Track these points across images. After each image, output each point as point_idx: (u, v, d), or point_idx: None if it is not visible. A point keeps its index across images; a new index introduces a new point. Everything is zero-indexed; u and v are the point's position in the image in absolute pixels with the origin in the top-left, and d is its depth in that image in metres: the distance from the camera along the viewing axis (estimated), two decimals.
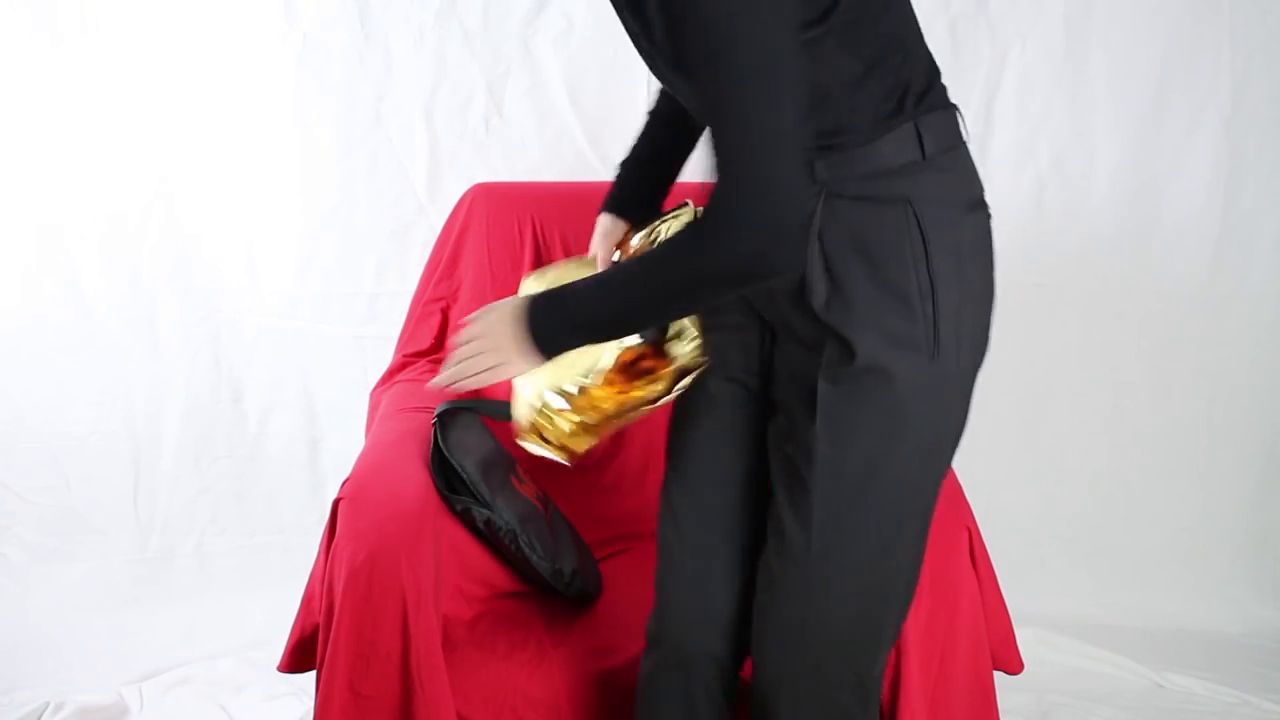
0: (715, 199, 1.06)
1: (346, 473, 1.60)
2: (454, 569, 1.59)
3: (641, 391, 1.26)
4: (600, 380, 1.25)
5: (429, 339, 2.04)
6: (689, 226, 1.13)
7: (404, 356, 2.04)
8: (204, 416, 2.67)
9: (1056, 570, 2.68)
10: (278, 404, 2.69)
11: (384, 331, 2.47)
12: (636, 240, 1.37)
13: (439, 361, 2.01)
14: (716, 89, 1.03)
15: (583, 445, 1.27)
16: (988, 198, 2.84)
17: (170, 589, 2.62)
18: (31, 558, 2.62)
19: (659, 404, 1.28)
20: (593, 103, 2.54)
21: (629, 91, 2.51)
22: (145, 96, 2.54)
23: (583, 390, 1.24)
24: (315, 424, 2.70)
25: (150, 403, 2.65)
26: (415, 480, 1.55)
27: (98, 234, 2.58)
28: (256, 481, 2.71)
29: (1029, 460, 2.74)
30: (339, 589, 1.42)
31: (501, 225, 2.01)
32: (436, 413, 1.68)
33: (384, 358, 2.17)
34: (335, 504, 1.51)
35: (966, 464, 1.74)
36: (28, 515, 2.63)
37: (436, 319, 2.05)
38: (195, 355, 2.64)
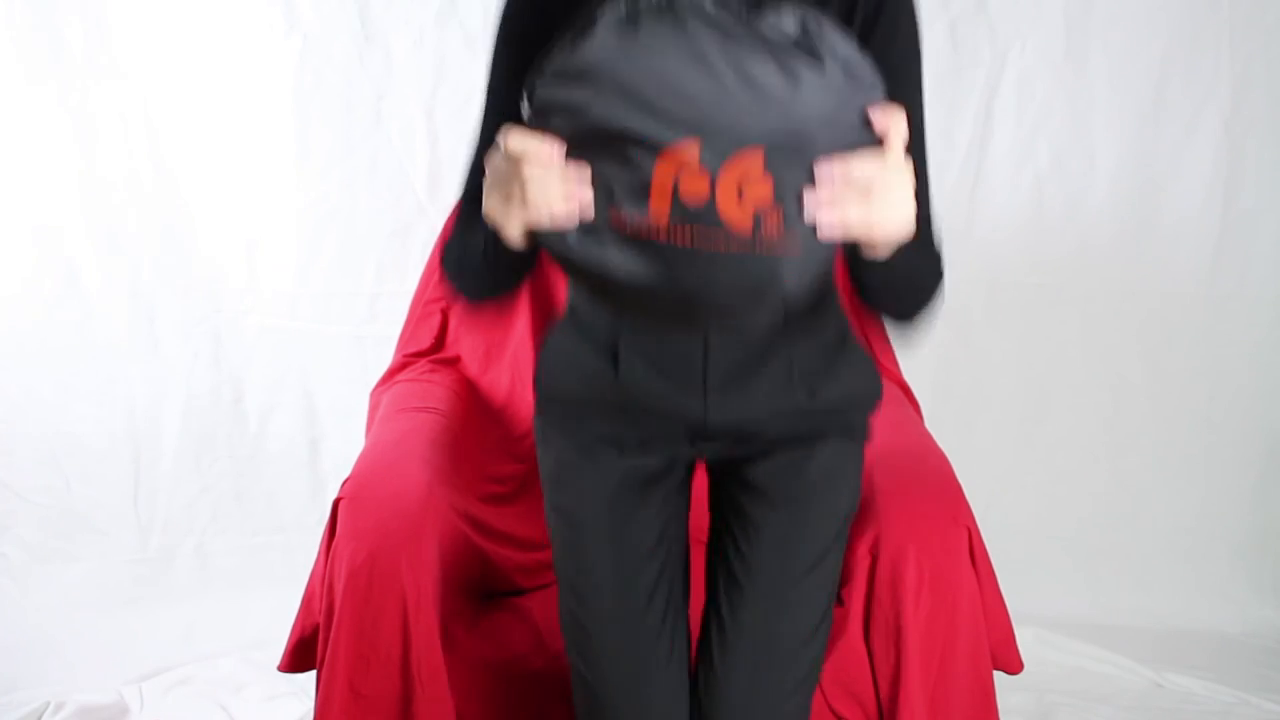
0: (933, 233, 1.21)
1: (346, 473, 1.60)
2: (454, 568, 1.59)
3: None
4: None
5: (429, 339, 2.04)
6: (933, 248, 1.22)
7: (404, 356, 2.03)
8: (204, 416, 2.66)
9: (1056, 570, 2.68)
10: (278, 404, 2.68)
11: (384, 331, 2.46)
12: None
13: (439, 362, 2.01)
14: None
15: None
16: (988, 197, 2.84)
17: (170, 589, 2.61)
18: (31, 558, 2.61)
19: None
20: None
21: None
22: (146, 96, 2.53)
23: None
24: (315, 424, 2.70)
25: (150, 403, 2.64)
26: (416, 480, 1.55)
27: (98, 234, 2.57)
28: (256, 481, 2.70)
29: (1029, 460, 2.74)
30: (339, 589, 1.42)
31: None
32: None
33: (384, 358, 2.16)
34: (335, 504, 1.51)
35: (966, 464, 1.74)
36: (28, 515, 2.62)
37: (436, 319, 2.04)
38: (195, 355, 2.64)
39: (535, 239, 1.08)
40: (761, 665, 1.27)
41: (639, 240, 1.03)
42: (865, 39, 1.16)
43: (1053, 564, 2.69)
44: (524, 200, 1.03)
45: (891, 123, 1.02)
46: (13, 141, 2.53)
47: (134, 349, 2.62)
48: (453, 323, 2.04)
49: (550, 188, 1.02)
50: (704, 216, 1.01)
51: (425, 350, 2.02)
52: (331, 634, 1.42)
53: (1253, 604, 2.67)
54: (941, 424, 1.96)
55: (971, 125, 2.62)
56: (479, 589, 1.73)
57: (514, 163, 1.03)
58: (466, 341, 2.02)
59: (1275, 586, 2.69)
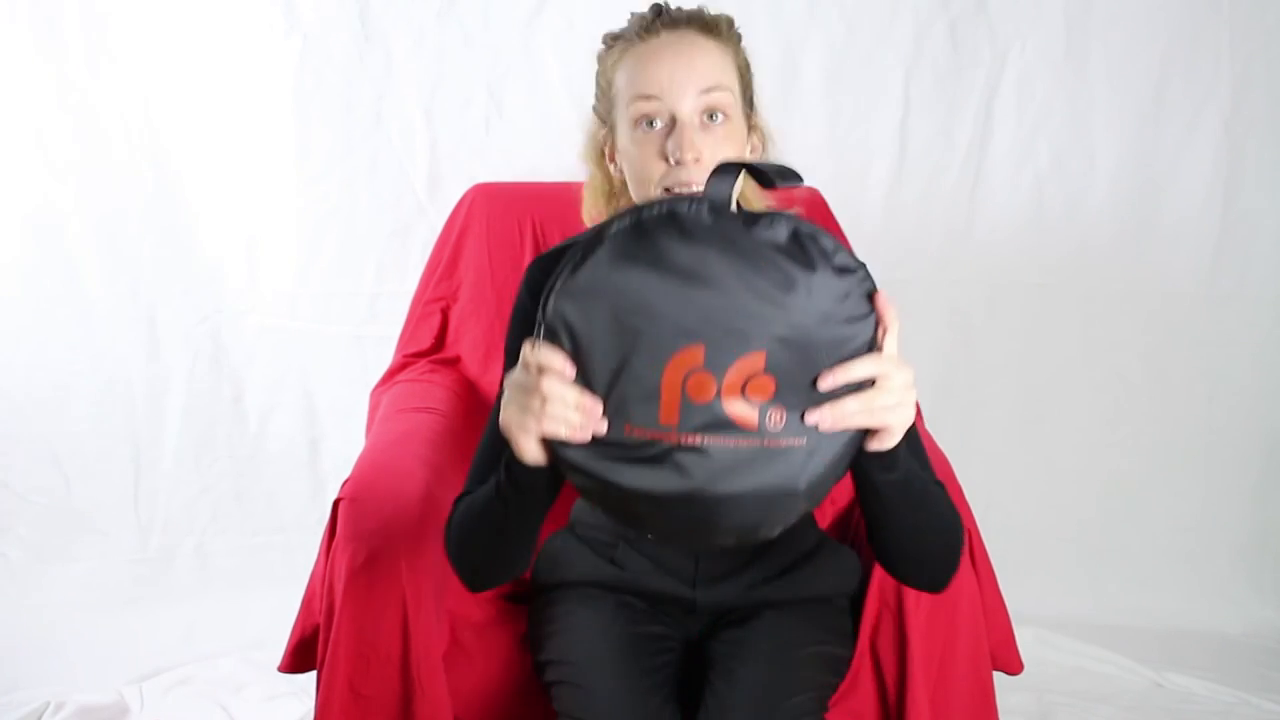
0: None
1: (347, 473, 1.59)
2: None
3: None
4: None
5: (429, 339, 2.03)
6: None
7: (404, 357, 2.02)
8: (204, 416, 2.66)
9: (1056, 570, 2.68)
10: (278, 404, 2.68)
11: (384, 331, 2.44)
12: None
13: (439, 362, 2.00)
14: None
15: None
16: (988, 197, 2.84)
17: (170, 589, 2.61)
18: (32, 557, 2.61)
19: None
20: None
21: None
22: (146, 96, 2.53)
23: None
24: (315, 424, 2.70)
25: (150, 402, 2.64)
26: (416, 479, 1.55)
27: (98, 233, 2.57)
28: (257, 481, 2.70)
29: (1029, 460, 2.74)
30: (339, 589, 1.42)
31: (501, 225, 2.00)
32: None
33: (384, 358, 2.15)
34: (335, 504, 1.51)
35: (967, 464, 1.74)
36: (28, 515, 2.62)
37: (436, 319, 2.03)
38: (195, 355, 2.64)
39: (552, 455, 1.11)
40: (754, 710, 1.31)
41: (651, 447, 1.07)
42: None
43: (1053, 564, 2.69)
44: (542, 412, 1.07)
45: (887, 311, 1.07)
46: (12, 141, 2.52)
47: (134, 349, 2.62)
48: (453, 323, 2.03)
49: (567, 399, 1.06)
50: (712, 416, 1.06)
51: (425, 350, 2.01)
52: (332, 634, 1.42)
53: (1253, 604, 2.67)
54: (942, 424, 1.96)
55: (971, 125, 2.62)
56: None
57: (534, 374, 1.07)
58: (466, 341, 2.01)
59: (1275, 586, 2.69)
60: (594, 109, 1.40)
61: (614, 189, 1.42)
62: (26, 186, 2.54)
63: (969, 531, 1.50)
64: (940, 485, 1.25)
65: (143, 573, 2.63)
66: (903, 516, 1.20)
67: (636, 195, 1.33)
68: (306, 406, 2.69)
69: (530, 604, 1.52)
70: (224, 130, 2.56)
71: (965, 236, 2.67)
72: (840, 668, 1.43)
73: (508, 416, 1.11)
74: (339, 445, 2.67)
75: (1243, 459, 2.71)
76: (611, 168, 1.39)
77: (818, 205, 1.91)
